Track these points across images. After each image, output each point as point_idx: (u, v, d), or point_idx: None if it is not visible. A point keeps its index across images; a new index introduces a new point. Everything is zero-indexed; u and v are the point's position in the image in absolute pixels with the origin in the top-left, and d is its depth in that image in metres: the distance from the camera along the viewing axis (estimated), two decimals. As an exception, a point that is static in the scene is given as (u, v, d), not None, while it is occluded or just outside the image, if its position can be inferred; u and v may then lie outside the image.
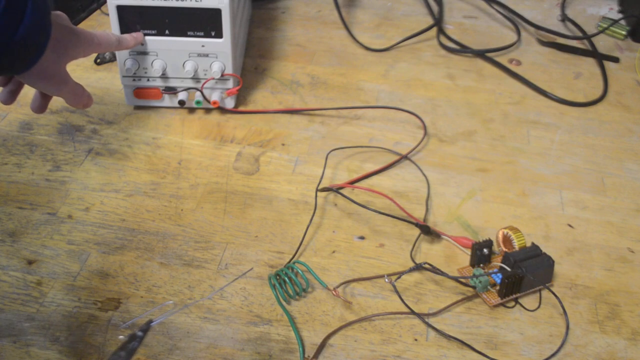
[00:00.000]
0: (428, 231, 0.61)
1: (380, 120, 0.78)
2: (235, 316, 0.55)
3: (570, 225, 0.65)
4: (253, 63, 0.87)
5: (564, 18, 1.00)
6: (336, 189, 0.65)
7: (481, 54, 0.90)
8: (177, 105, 0.76)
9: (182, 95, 0.75)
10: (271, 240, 0.62)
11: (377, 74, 0.86)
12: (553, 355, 0.53)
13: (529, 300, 0.57)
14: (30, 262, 0.59)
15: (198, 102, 0.75)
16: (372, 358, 0.52)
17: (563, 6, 1.03)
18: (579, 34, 0.96)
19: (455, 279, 0.58)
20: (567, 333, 0.54)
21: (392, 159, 0.72)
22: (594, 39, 0.94)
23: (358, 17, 1.00)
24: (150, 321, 0.45)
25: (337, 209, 0.66)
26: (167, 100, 0.77)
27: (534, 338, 0.54)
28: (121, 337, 0.50)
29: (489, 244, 0.58)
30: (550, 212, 0.66)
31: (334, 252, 0.61)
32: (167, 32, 0.71)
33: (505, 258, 0.57)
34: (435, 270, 0.57)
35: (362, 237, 0.62)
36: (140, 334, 0.43)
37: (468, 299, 0.57)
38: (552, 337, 0.54)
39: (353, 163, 0.71)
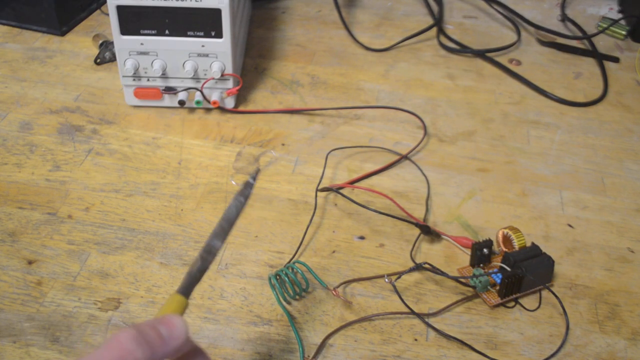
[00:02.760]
0: (428, 231, 0.61)
1: (380, 120, 0.78)
2: (235, 316, 0.55)
3: (570, 225, 0.65)
4: (253, 63, 0.87)
5: (564, 18, 1.00)
6: (336, 189, 0.65)
7: (481, 54, 0.90)
8: (177, 105, 0.76)
9: (182, 95, 0.75)
10: (271, 240, 0.62)
11: (377, 74, 0.86)
12: (553, 355, 0.53)
13: (529, 300, 0.57)
14: (30, 262, 0.59)
15: (198, 102, 0.75)
16: (372, 358, 0.52)
17: (563, 6, 1.03)
18: (579, 34, 0.96)
19: (455, 279, 0.58)
20: (567, 333, 0.54)
21: (392, 159, 0.72)
22: (594, 39, 0.94)
23: (358, 17, 1.00)
24: (258, 169, 0.46)
25: (337, 209, 0.65)
26: (167, 100, 0.77)
27: (534, 338, 0.54)
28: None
29: (489, 244, 0.58)
30: (550, 212, 0.66)
31: (334, 252, 0.61)
32: (167, 32, 0.71)
33: (505, 258, 0.57)
34: (435, 270, 0.57)
35: (362, 237, 0.62)
36: (252, 181, 0.42)
37: (468, 299, 0.57)
38: (552, 337, 0.54)
39: (353, 163, 0.71)
